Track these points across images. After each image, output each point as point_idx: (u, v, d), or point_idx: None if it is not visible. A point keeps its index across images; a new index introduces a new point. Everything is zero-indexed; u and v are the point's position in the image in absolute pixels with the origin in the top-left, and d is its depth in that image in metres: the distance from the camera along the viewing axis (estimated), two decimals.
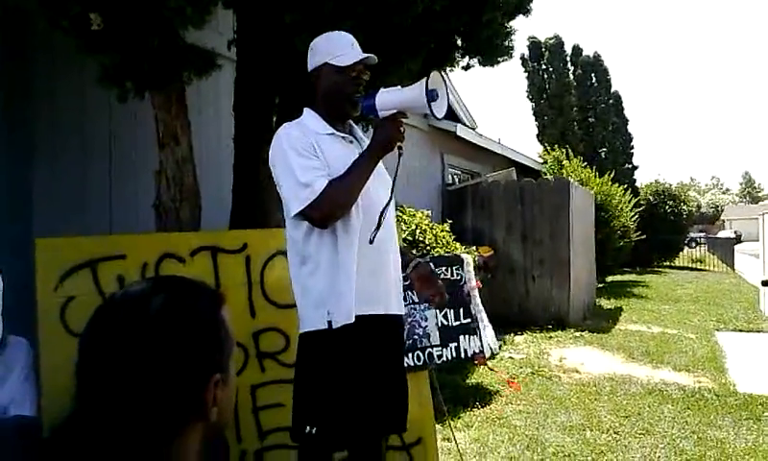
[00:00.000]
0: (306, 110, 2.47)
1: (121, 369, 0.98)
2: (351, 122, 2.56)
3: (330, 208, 2.22)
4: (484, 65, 4.84)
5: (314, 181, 2.20)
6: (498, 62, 4.84)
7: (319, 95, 2.45)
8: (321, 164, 2.26)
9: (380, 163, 2.40)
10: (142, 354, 0.98)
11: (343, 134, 2.43)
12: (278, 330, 3.19)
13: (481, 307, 4.30)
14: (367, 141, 2.50)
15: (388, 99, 2.31)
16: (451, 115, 11.76)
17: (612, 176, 15.97)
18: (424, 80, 2.21)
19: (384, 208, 2.32)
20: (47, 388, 2.68)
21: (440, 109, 2.26)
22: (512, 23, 4.81)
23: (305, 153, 2.26)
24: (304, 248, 2.31)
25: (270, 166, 2.39)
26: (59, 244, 3.02)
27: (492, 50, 4.70)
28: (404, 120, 2.34)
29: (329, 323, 2.25)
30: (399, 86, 2.36)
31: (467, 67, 4.86)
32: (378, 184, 2.40)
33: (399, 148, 2.32)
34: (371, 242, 2.27)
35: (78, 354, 1.02)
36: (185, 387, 1.01)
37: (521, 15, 4.82)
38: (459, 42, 4.67)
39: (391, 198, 2.38)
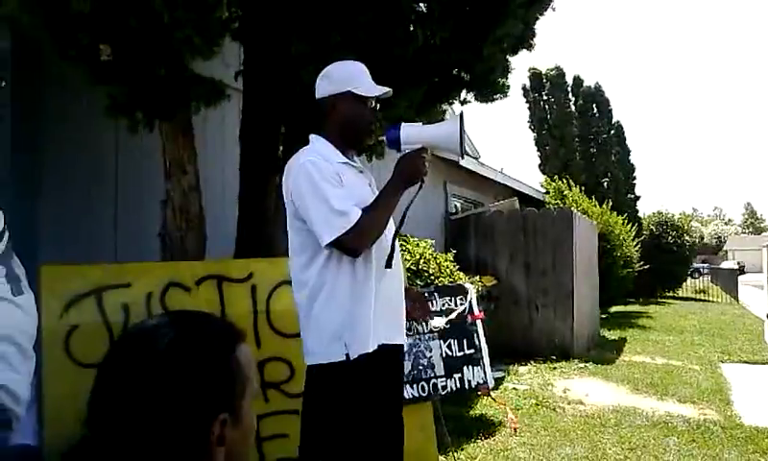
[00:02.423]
0: (316, 138, 2.45)
1: (125, 401, 1.00)
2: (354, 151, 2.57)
3: (367, 238, 2.26)
4: (480, 101, 4.89)
5: (350, 211, 2.21)
6: (493, 100, 4.89)
7: (335, 123, 2.43)
8: (349, 193, 2.28)
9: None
10: (145, 389, 1.00)
11: (353, 164, 2.45)
12: (283, 360, 3.19)
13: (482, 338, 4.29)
14: (368, 170, 2.55)
15: (414, 134, 2.36)
16: None
17: (613, 206, 15.96)
18: (457, 120, 2.28)
19: (395, 235, 2.37)
20: (50, 416, 2.68)
21: (463, 149, 2.35)
22: (514, 58, 4.88)
23: (336, 182, 2.27)
24: (318, 280, 2.29)
25: (287, 195, 2.37)
26: (64, 272, 3.03)
27: (487, 86, 4.76)
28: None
29: (347, 355, 2.24)
30: (421, 123, 2.42)
31: (464, 102, 4.91)
32: None
33: (422, 181, 2.37)
34: (388, 267, 2.31)
35: (93, 382, 1.04)
36: (186, 424, 1.01)
37: (524, 50, 4.88)
38: (462, 75, 4.72)
39: (401, 226, 2.43)
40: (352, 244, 2.22)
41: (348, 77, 2.42)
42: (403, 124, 2.38)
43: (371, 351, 2.26)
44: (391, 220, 2.46)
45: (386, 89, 2.42)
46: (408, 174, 2.33)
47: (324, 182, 2.24)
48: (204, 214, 3.82)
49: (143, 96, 3.35)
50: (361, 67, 2.47)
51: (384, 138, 2.42)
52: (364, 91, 2.39)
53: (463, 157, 2.40)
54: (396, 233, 2.39)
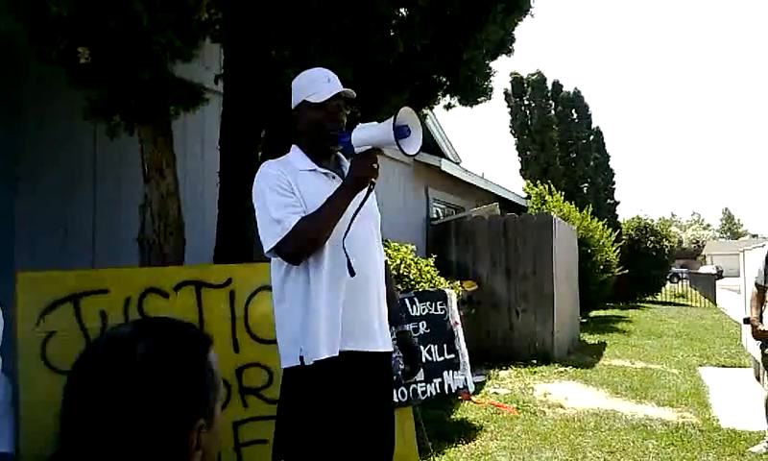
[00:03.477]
0: (293, 147, 2.49)
1: (104, 415, 0.98)
2: (342, 156, 2.54)
3: (300, 244, 2.24)
4: (463, 105, 4.91)
5: (285, 218, 2.23)
6: (477, 102, 4.91)
7: (300, 132, 2.46)
8: (296, 201, 2.28)
9: (372, 200, 2.41)
10: (125, 401, 0.98)
11: (325, 171, 2.42)
12: (262, 366, 3.17)
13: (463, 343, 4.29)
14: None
15: (361, 135, 2.32)
16: (436, 150, 11.86)
17: (593, 211, 16.09)
18: (393, 116, 2.21)
19: (342, 237, 2.29)
20: (26, 423, 2.65)
21: (411, 146, 2.25)
22: (494, 63, 4.90)
23: (281, 190, 2.29)
24: (282, 285, 2.35)
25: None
26: (40, 278, 3.00)
27: (470, 90, 4.78)
28: (389, 155, 2.35)
29: (301, 359, 2.27)
30: (375, 122, 2.36)
31: (448, 106, 4.93)
32: (364, 220, 2.38)
33: (372, 184, 2.32)
34: (351, 275, 2.27)
35: (63, 397, 1.02)
36: (168, 434, 1.01)
37: (504, 55, 4.91)
38: (443, 80, 4.74)
39: (348, 229, 2.31)
40: (288, 250, 2.25)
41: (302, 86, 2.44)
42: (358, 125, 2.35)
43: (323, 358, 2.25)
44: (373, 227, 2.47)
45: (336, 90, 2.38)
46: (355, 177, 2.30)
47: (270, 191, 2.29)
48: (182, 219, 3.79)
49: (122, 99, 3.32)
50: (318, 73, 2.46)
51: (340, 142, 2.40)
52: (315, 98, 2.38)
53: (409, 155, 2.31)
54: (345, 234, 2.30)
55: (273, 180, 2.31)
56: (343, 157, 2.55)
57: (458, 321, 4.36)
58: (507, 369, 8.55)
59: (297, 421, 2.32)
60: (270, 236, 2.26)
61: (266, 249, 2.29)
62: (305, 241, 2.25)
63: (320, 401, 2.29)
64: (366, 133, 2.32)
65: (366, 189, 2.32)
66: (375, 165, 2.30)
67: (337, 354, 2.28)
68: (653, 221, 24.28)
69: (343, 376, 2.31)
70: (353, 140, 2.32)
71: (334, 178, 2.43)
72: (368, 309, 2.43)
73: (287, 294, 2.33)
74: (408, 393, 3.99)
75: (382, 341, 2.47)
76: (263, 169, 2.39)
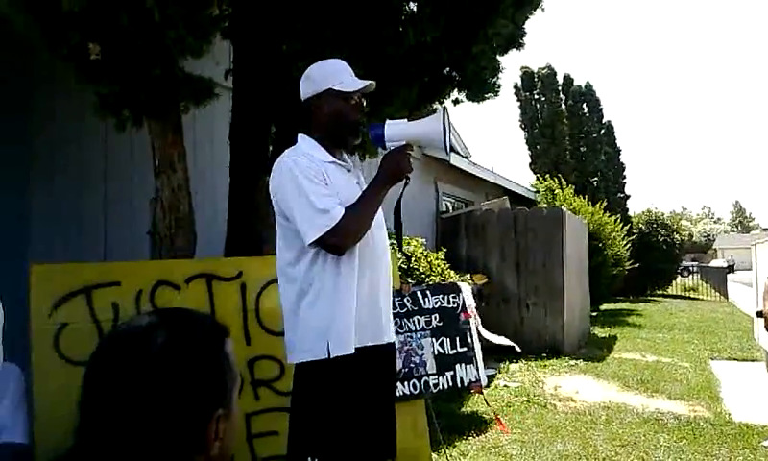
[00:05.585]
0: (302, 138, 2.45)
1: (123, 406, 0.99)
2: (344, 152, 2.55)
3: (350, 236, 2.25)
4: (471, 100, 4.89)
5: (332, 208, 2.21)
6: (485, 99, 4.89)
7: (319, 122, 2.43)
8: (333, 192, 2.27)
9: None
10: (144, 392, 0.99)
11: (342, 163, 2.44)
12: (273, 358, 3.18)
13: (476, 337, 4.28)
14: (358, 170, 2.55)
15: (398, 131, 2.34)
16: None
17: (604, 205, 16.03)
18: (440, 115, 2.26)
19: (399, 229, 2.40)
20: (40, 415, 2.66)
21: (449, 145, 2.32)
22: (504, 57, 4.88)
23: (317, 180, 2.26)
24: (306, 278, 2.29)
25: (272, 195, 2.36)
26: (54, 270, 3.02)
27: (478, 85, 4.76)
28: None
29: (329, 353, 2.24)
30: (406, 119, 2.41)
31: (456, 101, 4.91)
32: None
33: (407, 178, 2.36)
34: (400, 249, 2.37)
35: (81, 388, 1.02)
36: (188, 424, 1.01)
37: (514, 49, 4.89)
38: (453, 75, 4.72)
39: (398, 222, 2.44)
40: (335, 242, 2.22)
41: (327, 75, 2.41)
42: (388, 121, 2.37)
43: (352, 352, 2.26)
44: (380, 215, 2.46)
45: (366, 83, 2.39)
46: (391, 172, 2.33)
47: (307, 181, 2.24)
48: (193, 212, 3.81)
49: (132, 95, 3.33)
50: (341, 65, 2.46)
51: (371, 135, 2.42)
52: (343, 87, 2.37)
53: (448, 153, 2.36)
54: (400, 228, 2.42)
55: (309, 170, 2.27)
56: (344, 152, 2.57)
57: (470, 314, 4.35)
58: (517, 362, 8.54)
59: (322, 415, 2.28)
60: (314, 227, 2.20)
61: (309, 239, 2.21)
62: (354, 233, 2.26)
63: (345, 394, 2.28)
64: (405, 129, 2.36)
65: (402, 183, 2.37)
66: (411, 160, 2.36)
67: (362, 347, 2.30)
68: (663, 215, 24.14)
69: (364, 368, 2.32)
70: (388, 134, 2.35)
71: (349, 171, 2.47)
72: (383, 302, 2.46)
73: (312, 286, 2.28)
74: (420, 385, 3.98)
75: (388, 332, 2.51)
76: (292, 159, 2.31)
